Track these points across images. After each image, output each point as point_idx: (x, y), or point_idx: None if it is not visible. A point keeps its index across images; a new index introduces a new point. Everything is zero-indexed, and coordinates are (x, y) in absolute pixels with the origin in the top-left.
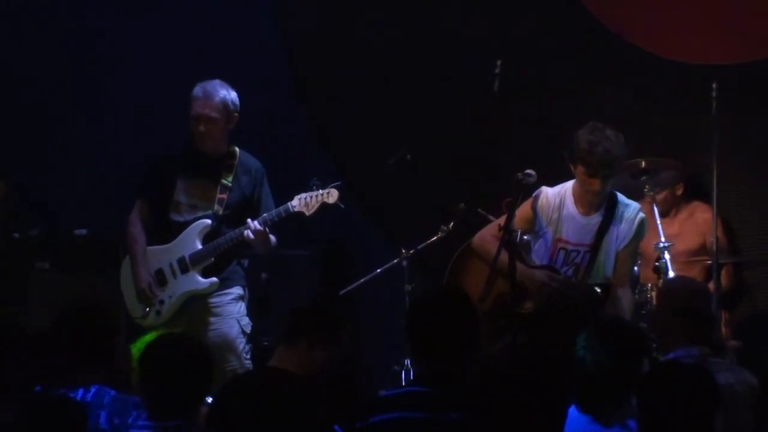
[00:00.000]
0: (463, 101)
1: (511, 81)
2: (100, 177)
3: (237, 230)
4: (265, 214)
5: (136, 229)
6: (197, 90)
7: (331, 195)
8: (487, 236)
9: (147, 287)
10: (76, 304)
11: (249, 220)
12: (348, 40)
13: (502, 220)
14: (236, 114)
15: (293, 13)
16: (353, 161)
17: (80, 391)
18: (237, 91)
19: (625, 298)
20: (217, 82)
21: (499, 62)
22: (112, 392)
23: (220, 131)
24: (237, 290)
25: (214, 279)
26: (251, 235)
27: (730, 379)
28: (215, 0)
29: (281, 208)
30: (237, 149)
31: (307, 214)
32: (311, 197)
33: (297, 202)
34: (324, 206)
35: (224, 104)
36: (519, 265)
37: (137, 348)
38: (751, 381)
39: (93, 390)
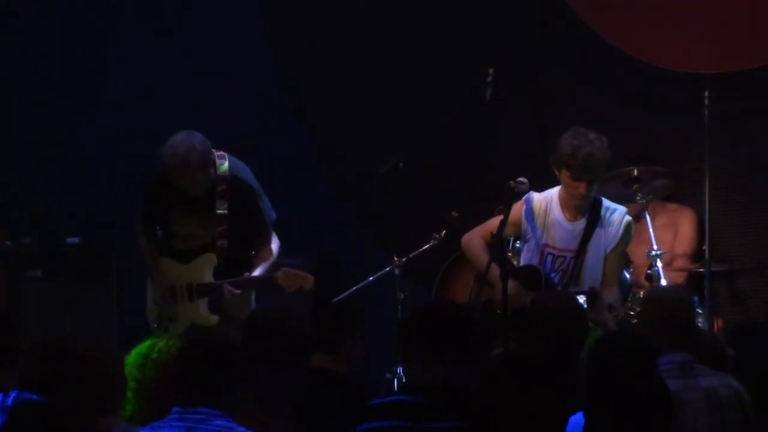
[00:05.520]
0: (455, 109)
1: (504, 89)
2: (93, 185)
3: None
4: (254, 273)
5: (149, 248)
6: (168, 160)
7: (307, 281)
8: (475, 237)
9: (163, 297)
10: None
11: (226, 286)
12: (340, 48)
13: (492, 222)
14: (209, 152)
15: (285, 20)
16: (346, 169)
17: None
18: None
19: (612, 298)
20: (181, 139)
21: (491, 71)
22: (34, 397)
23: (204, 179)
24: None
25: (216, 317)
26: (228, 297)
27: (714, 382)
28: (207, 10)
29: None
30: (227, 168)
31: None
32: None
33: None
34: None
35: (200, 160)
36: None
37: (132, 356)
38: (736, 385)
39: (12, 395)
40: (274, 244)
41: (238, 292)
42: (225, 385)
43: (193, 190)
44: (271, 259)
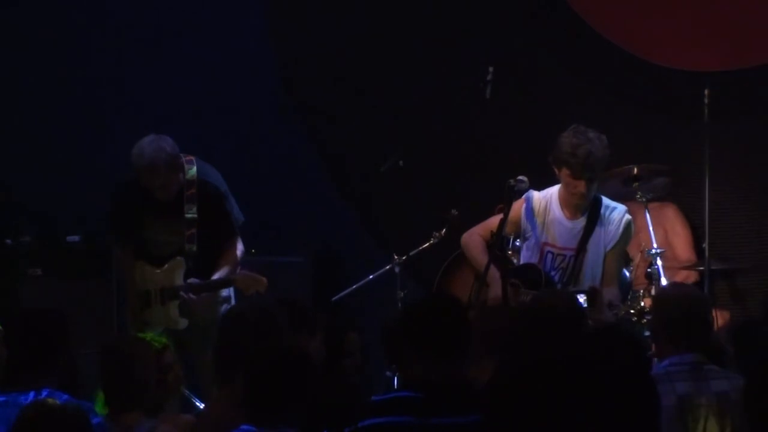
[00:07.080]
0: (455, 108)
1: (503, 87)
2: (93, 184)
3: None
4: (215, 276)
5: (125, 259)
6: (137, 160)
7: (261, 284)
8: (474, 235)
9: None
10: (23, 310)
11: (182, 293)
12: (340, 46)
13: (492, 220)
14: (177, 156)
15: (285, 19)
16: (346, 167)
17: (31, 394)
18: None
19: (612, 296)
20: (149, 141)
21: (491, 69)
22: (64, 396)
23: (173, 182)
24: (223, 293)
25: (185, 320)
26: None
27: (726, 386)
28: (207, 10)
29: (224, 279)
30: (195, 172)
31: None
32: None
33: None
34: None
35: (168, 161)
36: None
37: None
38: None
39: (44, 393)
40: (239, 249)
41: (193, 296)
42: (296, 403)
43: (163, 194)
44: (234, 263)
